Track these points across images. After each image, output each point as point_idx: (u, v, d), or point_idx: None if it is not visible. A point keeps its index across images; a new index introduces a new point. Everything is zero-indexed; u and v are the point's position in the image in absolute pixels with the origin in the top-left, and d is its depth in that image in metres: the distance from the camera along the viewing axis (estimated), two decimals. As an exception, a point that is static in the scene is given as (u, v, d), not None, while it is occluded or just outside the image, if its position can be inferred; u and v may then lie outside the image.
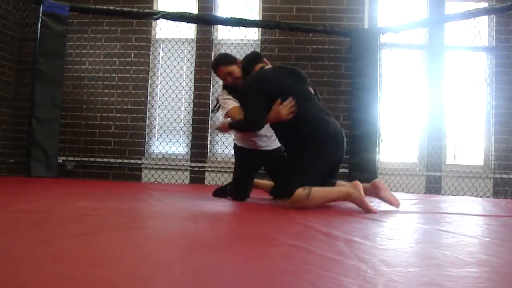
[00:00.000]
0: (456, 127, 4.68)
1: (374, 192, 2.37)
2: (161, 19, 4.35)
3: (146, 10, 4.43)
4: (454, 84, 4.65)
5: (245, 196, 2.74)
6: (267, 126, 2.51)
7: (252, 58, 2.65)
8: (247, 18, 4.45)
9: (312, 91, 2.54)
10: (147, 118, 4.79)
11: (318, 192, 2.21)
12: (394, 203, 2.35)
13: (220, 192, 2.90)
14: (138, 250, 1.12)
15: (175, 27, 4.66)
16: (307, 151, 2.30)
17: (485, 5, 4.59)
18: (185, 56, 4.79)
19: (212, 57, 4.71)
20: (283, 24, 4.43)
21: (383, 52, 4.70)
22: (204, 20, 4.52)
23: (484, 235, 1.63)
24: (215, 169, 4.65)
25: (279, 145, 2.79)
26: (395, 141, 4.75)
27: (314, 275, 0.91)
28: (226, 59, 2.70)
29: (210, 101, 4.72)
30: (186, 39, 4.80)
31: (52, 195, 2.56)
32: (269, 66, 2.62)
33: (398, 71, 4.75)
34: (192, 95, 4.74)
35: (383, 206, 2.45)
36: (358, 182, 2.21)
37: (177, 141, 4.78)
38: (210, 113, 4.70)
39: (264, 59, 2.67)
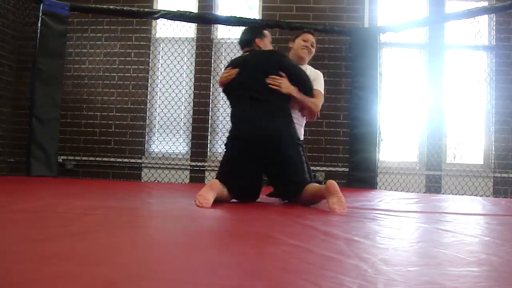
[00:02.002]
0: (456, 126, 4.68)
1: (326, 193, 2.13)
2: (161, 18, 4.36)
3: (146, 9, 4.43)
4: (454, 83, 4.64)
5: None
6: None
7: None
8: (247, 17, 4.45)
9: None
10: (147, 117, 4.78)
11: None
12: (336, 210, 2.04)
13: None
14: (138, 249, 1.12)
15: (175, 26, 4.66)
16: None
17: (485, 4, 4.59)
18: (185, 55, 4.79)
19: (212, 57, 4.73)
20: (283, 23, 4.43)
21: (383, 51, 4.70)
22: (204, 19, 4.52)
23: (484, 234, 1.63)
24: (215, 168, 4.64)
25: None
26: (395, 140, 4.75)
27: (314, 274, 0.91)
28: None
29: (210, 100, 4.72)
30: (186, 38, 4.80)
31: (52, 194, 2.56)
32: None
33: (398, 70, 4.75)
34: (192, 94, 4.74)
35: (382, 205, 2.45)
36: (330, 183, 2.07)
37: (177, 140, 4.78)
38: (210, 111, 4.69)
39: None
